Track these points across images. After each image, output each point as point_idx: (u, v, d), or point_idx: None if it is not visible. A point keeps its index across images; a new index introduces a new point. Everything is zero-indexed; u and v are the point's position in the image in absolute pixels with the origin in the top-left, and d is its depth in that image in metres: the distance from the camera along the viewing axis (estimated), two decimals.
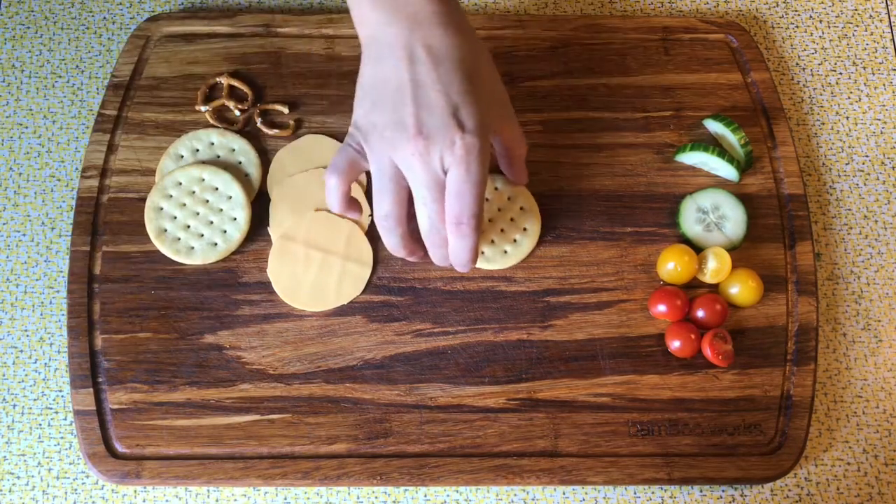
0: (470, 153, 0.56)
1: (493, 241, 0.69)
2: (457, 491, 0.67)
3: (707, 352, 0.67)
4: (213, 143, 0.71)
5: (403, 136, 0.56)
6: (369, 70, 0.58)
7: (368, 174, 0.71)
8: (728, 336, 0.67)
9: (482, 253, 0.69)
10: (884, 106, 0.77)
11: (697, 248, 0.70)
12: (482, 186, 0.57)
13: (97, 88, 0.75)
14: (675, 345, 0.67)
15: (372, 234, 0.70)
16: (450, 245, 0.59)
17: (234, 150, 0.71)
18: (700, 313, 0.68)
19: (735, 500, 0.67)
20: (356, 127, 0.59)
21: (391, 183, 0.58)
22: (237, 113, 0.72)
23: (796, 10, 0.80)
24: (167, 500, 0.66)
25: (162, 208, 0.69)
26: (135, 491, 0.66)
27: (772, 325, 0.69)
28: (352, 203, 0.63)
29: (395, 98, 0.56)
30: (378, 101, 0.57)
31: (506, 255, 0.69)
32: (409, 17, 0.56)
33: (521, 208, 0.70)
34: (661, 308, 0.67)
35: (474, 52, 0.58)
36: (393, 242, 0.61)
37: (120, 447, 0.65)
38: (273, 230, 0.69)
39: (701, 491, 0.67)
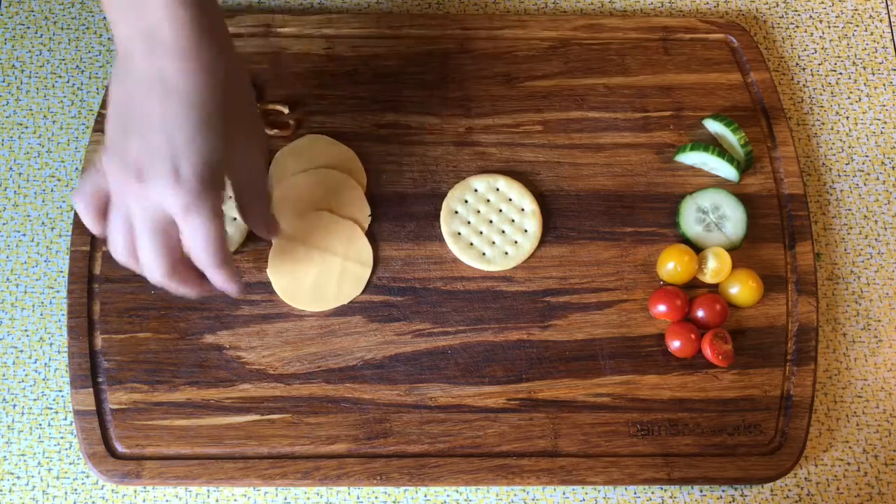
0: (189, 209, 0.51)
1: (493, 243, 0.69)
2: (457, 491, 0.67)
3: (707, 352, 0.67)
4: None
5: (126, 175, 0.51)
6: (116, 80, 0.53)
7: (369, 173, 0.71)
8: (728, 336, 0.67)
9: (483, 254, 0.69)
10: (884, 106, 0.77)
11: (697, 248, 0.70)
12: (213, 238, 0.53)
13: (97, 88, 0.75)
14: (675, 345, 0.67)
15: (372, 235, 0.70)
16: (212, 282, 0.56)
17: None
18: (700, 313, 0.68)
19: (735, 500, 0.67)
20: (105, 143, 0.54)
21: (121, 217, 0.54)
22: None
23: (796, 10, 0.80)
24: (167, 500, 0.66)
25: None
26: (135, 491, 0.66)
27: (772, 325, 0.69)
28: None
29: (127, 127, 0.51)
30: (118, 123, 0.52)
31: (506, 256, 0.69)
32: (146, 33, 0.49)
33: (522, 210, 0.70)
34: (661, 308, 0.67)
35: (215, 84, 0.51)
36: (155, 279, 0.55)
37: (120, 447, 0.65)
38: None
39: (701, 491, 0.67)
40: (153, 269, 0.53)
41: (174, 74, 0.50)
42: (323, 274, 0.68)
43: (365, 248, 0.69)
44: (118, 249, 0.54)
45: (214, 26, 0.51)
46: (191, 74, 0.50)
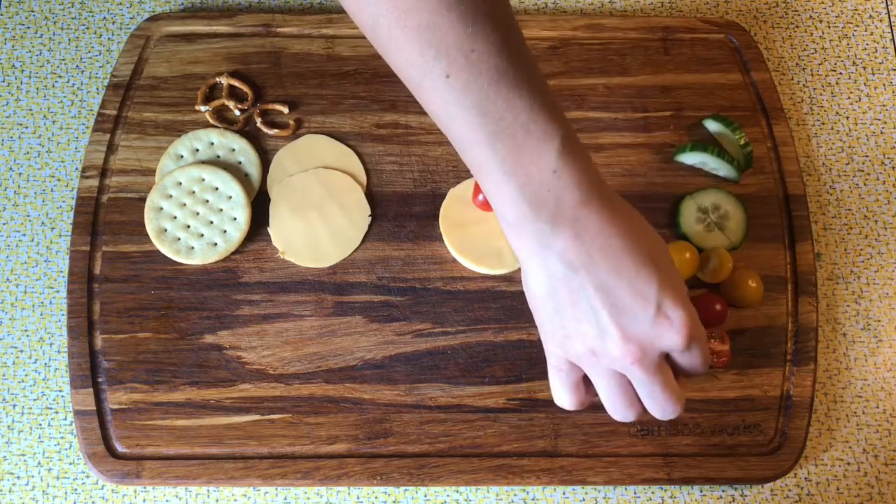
0: (692, 342, 0.51)
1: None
2: (457, 491, 0.67)
3: None
4: (213, 143, 0.71)
5: (612, 345, 0.50)
6: (539, 279, 0.51)
7: (369, 173, 0.71)
8: (727, 336, 0.67)
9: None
10: (884, 106, 0.77)
11: (698, 249, 0.69)
12: (707, 357, 0.54)
13: (97, 88, 0.75)
14: None
15: (372, 235, 0.70)
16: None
17: (234, 150, 0.71)
18: (700, 313, 0.67)
19: (735, 500, 0.67)
20: (550, 343, 0.53)
21: (617, 388, 0.53)
22: (237, 113, 0.72)
23: (796, 10, 0.80)
24: (167, 500, 0.66)
25: (162, 208, 0.69)
26: (135, 491, 0.66)
27: (772, 325, 0.69)
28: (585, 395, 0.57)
29: (584, 308, 0.51)
30: (564, 314, 0.51)
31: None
32: (566, 217, 0.49)
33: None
34: None
35: (639, 230, 0.51)
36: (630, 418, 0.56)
37: (120, 447, 0.65)
38: (273, 230, 0.69)
39: (701, 491, 0.67)
40: (669, 405, 0.54)
41: (609, 238, 0.50)
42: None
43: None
44: (626, 413, 0.54)
45: (603, 200, 0.50)
46: (623, 228, 0.50)
